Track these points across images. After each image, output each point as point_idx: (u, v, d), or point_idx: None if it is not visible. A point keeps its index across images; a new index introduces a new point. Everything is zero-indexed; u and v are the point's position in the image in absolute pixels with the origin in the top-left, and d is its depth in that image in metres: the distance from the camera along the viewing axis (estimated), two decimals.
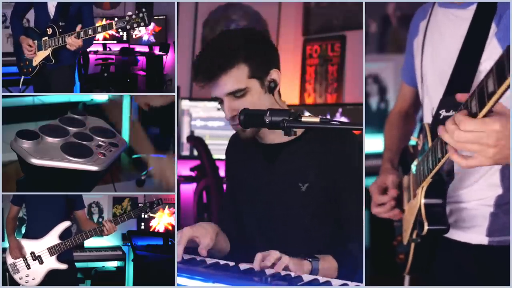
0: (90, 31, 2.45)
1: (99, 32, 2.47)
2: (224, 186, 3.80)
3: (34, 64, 2.61)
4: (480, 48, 1.54)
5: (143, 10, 2.39)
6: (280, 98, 1.70)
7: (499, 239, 1.64)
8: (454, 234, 1.70)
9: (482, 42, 1.54)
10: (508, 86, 1.05)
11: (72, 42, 2.46)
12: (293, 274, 1.41)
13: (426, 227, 1.57)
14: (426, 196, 1.59)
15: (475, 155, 1.19)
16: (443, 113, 1.59)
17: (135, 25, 2.40)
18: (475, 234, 1.67)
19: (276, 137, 1.69)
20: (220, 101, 1.63)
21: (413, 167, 1.72)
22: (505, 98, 1.12)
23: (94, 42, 4.29)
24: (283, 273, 1.42)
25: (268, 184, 1.70)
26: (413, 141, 1.78)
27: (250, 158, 1.76)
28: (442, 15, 1.71)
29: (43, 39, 2.56)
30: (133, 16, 2.39)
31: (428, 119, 1.73)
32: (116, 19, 2.45)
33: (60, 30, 2.53)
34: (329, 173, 1.63)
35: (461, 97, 1.23)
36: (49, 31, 2.54)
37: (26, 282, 2.27)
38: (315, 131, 1.66)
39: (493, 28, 1.53)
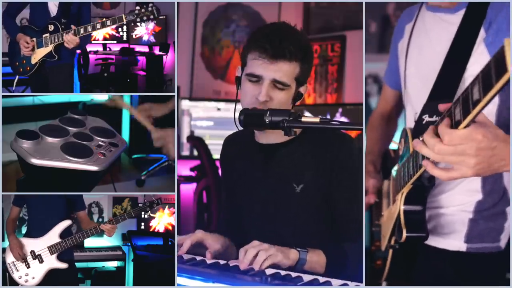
0: (90, 28, 2.45)
1: (108, 26, 2.46)
2: None
3: (33, 62, 2.60)
4: (467, 53, 1.52)
5: (151, 4, 2.40)
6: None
7: (477, 246, 1.62)
8: (432, 241, 1.67)
9: (470, 47, 1.52)
10: (495, 95, 1.02)
11: (70, 39, 2.46)
12: (293, 274, 1.41)
13: (404, 234, 1.56)
14: (406, 202, 1.58)
15: (456, 166, 1.17)
16: (426, 118, 1.57)
17: (144, 18, 2.40)
18: (453, 241, 1.65)
19: (273, 137, 1.69)
20: (256, 80, 1.60)
21: (394, 172, 1.71)
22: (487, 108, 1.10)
23: (95, 42, 4.31)
24: (283, 273, 1.42)
25: (264, 183, 1.71)
26: (394, 145, 1.78)
27: (246, 158, 1.77)
28: (429, 18, 1.69)
29: (44, 35, 2.55)
30: (142, 10, 2.39)
31: (410, 123, 1.72)
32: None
33: (63, 26, 2.52)
34: (324, 175, 1.63)
35: (443, 107, 1.21)
36: (51, 27, 2.54)
37: (25, 282, 2.26)
38: (310, 132, 1.67)
39: (482, 34, 1.52)
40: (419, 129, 1.55)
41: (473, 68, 1.51)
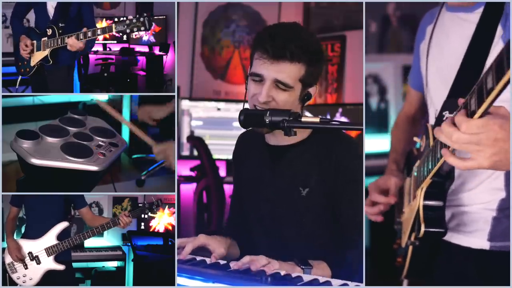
0: (89, 34, 2.43)
1: (98, 35, 2.44)
2: (225, 186, 3.82)
3: (32, 64, 2.61)
4: (486, 50, 1.52)
5: (145, 14, 2.36)
6: (303, 110, 1.70)
7: (501, 244, 1.62)
8: (455, 238, 1.68)
9: (488, 44, 1.52)
10: (507, 83, 1.03)
11: (73, 43, 2.44)
12: (293, 274, 1.41)
13: (423, 229, 1.56)
14: (426, 197, 1.57)
15: (473, 156, 1.17)
16: (446, 114, 1.57)
17: (135, 29, 2.35)
18: (476, 239, 1.65)
19: (281, 138, 1.67)
20: (258, 80, 1.59)
21: (415, 169, 1.71)
22: (505, 101, 1.11)
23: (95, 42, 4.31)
24: (283, 273, 1.42)
25: (271, 184, 1.70)
26: (418, 143, 1.78)
27: (256, 157, 1.76)
28: (448, 18, 1.70)
29: (42, 39, 2.56)
30: (134, 20, 2.35)
31: (433, 121, 1.72)
32: (115, 19, 2.43)
33: (60, 31, 2.52)
34: (329, 178, 1.62)
35: (462, 100, 1.21)
36: (49, 31, 2.54)
37: (23, 282, 2.28)
38: (319, 135, 1.67)
39: (499, 31, 1.52)
40: (439, 126, 1.55)
41: None
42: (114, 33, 2.40)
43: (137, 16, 2.36)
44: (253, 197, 1.75)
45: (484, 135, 1.13)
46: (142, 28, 2.36)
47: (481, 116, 1.13)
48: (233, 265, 1.47)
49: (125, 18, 2.38)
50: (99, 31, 2.42)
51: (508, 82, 1.03)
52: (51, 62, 2.56)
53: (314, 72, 1.63)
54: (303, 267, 1.48)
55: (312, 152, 1.66)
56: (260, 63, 1.58)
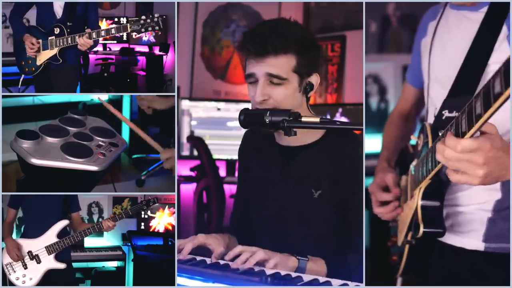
0: (103, 32, 2.47)
1: (112, 34, 2.49)
2: (225, 186, 3.82)
3: (38, 63, 2.60)
4: (489, 50, 1.52)
5: (157, 15, 2.43)
6: (308, 102, 1.69)
7: (495, 245, 1.61)
8: (449, 238, 1.67)
9: (492, 44, 1.51)
10: (495, 111, 1.07)
11: (84, 42, 2.48)
12: (293, 274, 1.41)
13: (421, 229, 1.55)
14: (424, 197, 1.57)
15: (463, 172, 1.20)
16: (445, 113, 1.57)
17: (149, 29, 2.43)
18: (471, 239, 1.64)
19: (292, 139, 1.65)
20: (253, 81, 1.60)
21: (412, 167, 1.71)
22: (495, 119, 1.12)
23: None
24: (283, 273, 1.42)
25: (282, 185, 1.69)
26: (413, 141, 1.77)
27: (266, 156, 1.75)
28: (452, 17, 1.70)
29: (50, 38, 2.56)
30: (148, 20, 2.42)
31: (431, 119, 1.71)
32: (126, 20, 2.46)
33: (69, 30, 2.53)
34: (341, 179, 1.62)
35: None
36: (57, 30, 2.54)
37: (23, 283, 2.25)
38: (331, 136, 1.66)
39: (504, 31, 1.51)
40: (438, 125, 1.55)
41: (495, 65, 1.50)
42: (129, 32, 2.45)
43: (151, 16, 2.43)
44: (261, 197, 1.74)
45: (476, 154, 1.16)
46: (156, 28, 2.44)
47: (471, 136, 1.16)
48: (232, 263, 1.47)
49: (139, 18, 2.44)
50: (113, 30, 2.47)
51: (495, 110, 1.07)
52: (60, 61, 2.57)
53: (308, 61, 1.61)
54: (299, 257, 1.48)
55: (325, 153, 1.65)
56: (249, 63, 1.61)
